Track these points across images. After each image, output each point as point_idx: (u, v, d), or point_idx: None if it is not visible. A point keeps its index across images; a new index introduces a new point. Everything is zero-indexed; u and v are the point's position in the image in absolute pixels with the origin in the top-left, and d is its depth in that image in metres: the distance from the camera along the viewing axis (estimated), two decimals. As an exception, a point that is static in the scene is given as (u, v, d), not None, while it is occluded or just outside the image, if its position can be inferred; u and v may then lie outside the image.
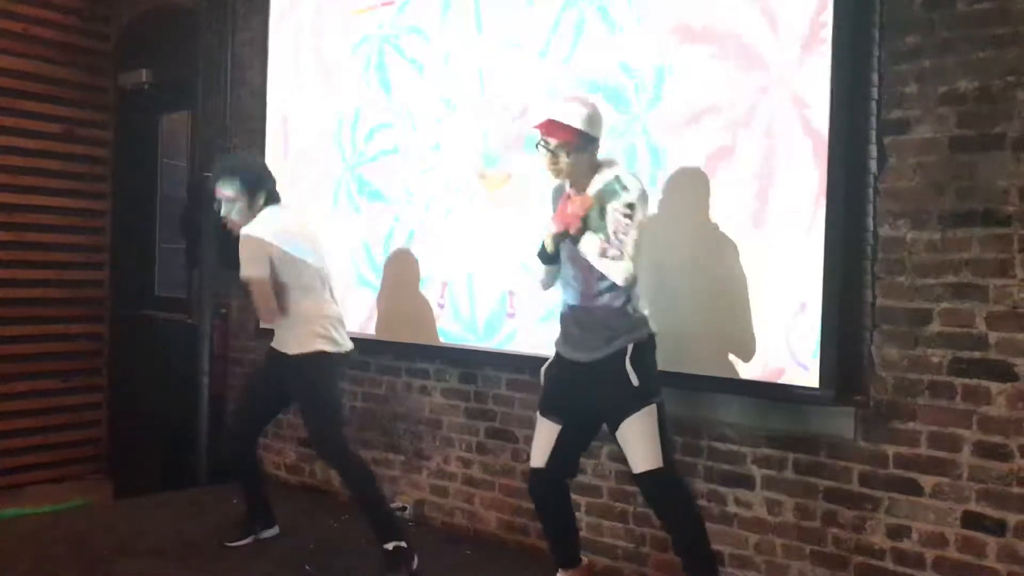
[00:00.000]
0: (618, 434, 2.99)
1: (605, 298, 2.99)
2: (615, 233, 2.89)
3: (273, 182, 3.72)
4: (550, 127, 2.97)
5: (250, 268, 3.52)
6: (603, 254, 2.89)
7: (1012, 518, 2.79)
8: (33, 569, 3.62)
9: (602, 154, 3.06)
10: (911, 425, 2.97)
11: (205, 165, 5.10)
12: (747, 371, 3.21)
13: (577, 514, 3.39)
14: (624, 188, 2.92)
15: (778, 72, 3.14)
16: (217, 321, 5.34)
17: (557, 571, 3.28)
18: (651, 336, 3.01)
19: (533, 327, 3.79)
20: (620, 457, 3.13)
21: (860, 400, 3.07)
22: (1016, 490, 2.78)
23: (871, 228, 3.04)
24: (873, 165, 3.04)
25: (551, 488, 3.19)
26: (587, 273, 2.99)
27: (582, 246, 2.93)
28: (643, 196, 2.94)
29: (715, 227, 3.27)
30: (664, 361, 3.06)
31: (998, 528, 2.81)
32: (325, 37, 4.73)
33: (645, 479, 2.98)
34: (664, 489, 2.99)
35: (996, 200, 2.80)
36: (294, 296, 3.60)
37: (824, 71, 3.02)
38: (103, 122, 6.13)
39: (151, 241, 6.09)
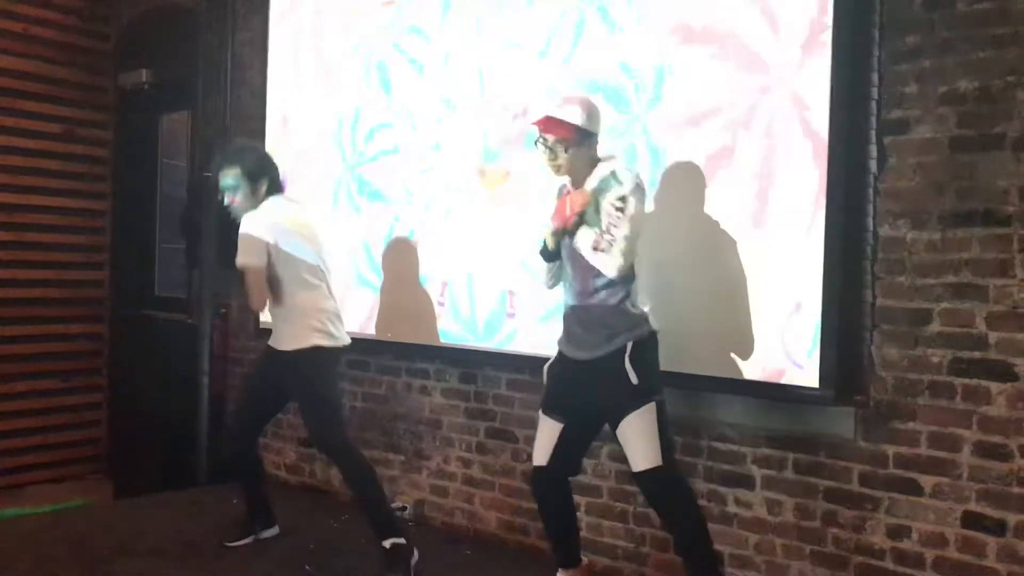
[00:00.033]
0: (618, 432, 2.99)
1: (601, 295, 3.00)
2: (608, 226, 2.91)
3: (275, 170, 3.72)
4: (548, 123, 2.99)
5: (245, 257, 3.52)
6: (596, 247, 2.91)
7: (1012, 518, 2.79)
8: (33, 569, 3.62)
9: (603, 152, 3.07)
10: (911, 425, 2.98)
11: (205, 165, 5.11)
12: (747, 371, 3.21)
13: (577, 514, 3.39)
14: (618, 182, 2.94)
15: (778, 73, 3.14)
16: (217, 321, 5.34)
17: (557, 571, 3.28)
18: (652, 333, 3.01)
19: (533, 327, 3.79)
20: (620, 457, 3.14)
21: (860, 400, 3.07)
22: (1016, 490, 2.78)
23: (871, 228, 3.04)
24: (873, 165, 3.04)
25: (553, 486, 3.20)
26: (584, 271, 3.01)
27: (576, 241, 2.96)
28: (637, 189, 2.94)
29: (715, 227, 3.27)
30: (664, 361, 3.06)
31: (998, 528, 2.81)
32: (325, 37, 4.73)
33: (645, 478, 2.98)
34: (664, 488, 2.99)
35: (996, 200, 2.80)
36: (290, 290, 3.60)
37: (824, 72, 3.02)
38: (103, 122, 6.14)
39: (151, 241, 6.09)
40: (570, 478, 3.25)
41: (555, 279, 3.20)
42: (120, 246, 6.19)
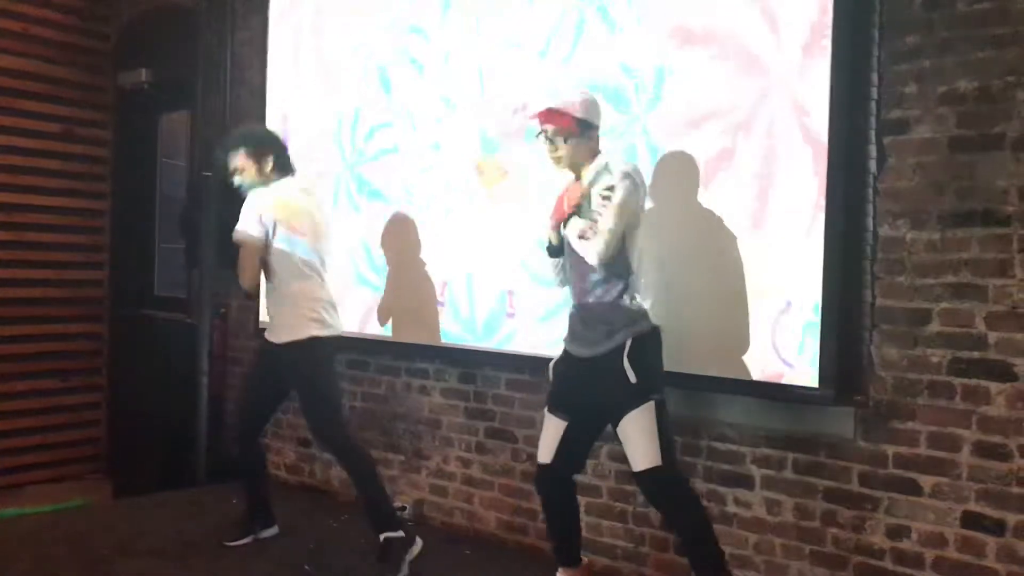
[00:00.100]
0: (619, 431, 2.99)
1: (598, 292, 3.01)
2: (594, 215, 2.93)
3: (281, 147, 3.76)
4: (548, 115, 3.03)
5: (244, 229, 3.56)
6: (581, 236, 2.93)
7: (1011, 518, 2.79)
8: (33, 569, 3.62)
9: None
10: (911, 425, 2.98)
11: (205, 165, 5.11)
12: (747, 371, 3.21)
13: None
14: (609, 172, 2.96)
15: (778, 74, 3.13)
16: (216, 321, 5.34)
17: (557, 570, 3.28)
18: (653, 329, 3.01)
19: (533, 327, 3.78)
20: (620, 457, 3.13)
21: (860, 400, 3.07)
22: (1015, 490, 2.78)
23: (871, 228, 3.04)
24: (873, 165, 3.04)
25: (557, 484, 3.21)
26: (581, 268, 3.03)
27: (567, 231, 2.98)
28: (626, 178, 2.94)
29: (715, 227, 3.27)
30: (665, 360, 3.06)
31: (997, 528, 2.81)
32: (325, 37, 4.73)
33: (644, 478, 2.98)
34: (663, 488, 2.99)
35: (996, 200, 2.80)
36: (284, 277, 3.62)
37: (824, 74, 3.02)
38: (103, 122, 6.13)
39: (150, 241, 6.09)
40: (575, 475, 3.25)
41: (563, 276, 3.21)
42: (119, 246, 6.18)
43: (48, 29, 5.80)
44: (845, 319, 3.05)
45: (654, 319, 3.03)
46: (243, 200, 3.64)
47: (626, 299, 2.99)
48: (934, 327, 2.93)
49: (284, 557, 3.80)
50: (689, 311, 3.31)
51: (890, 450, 3.02)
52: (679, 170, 3.35)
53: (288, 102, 4.91)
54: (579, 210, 2.98)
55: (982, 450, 2.84)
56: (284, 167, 3.72)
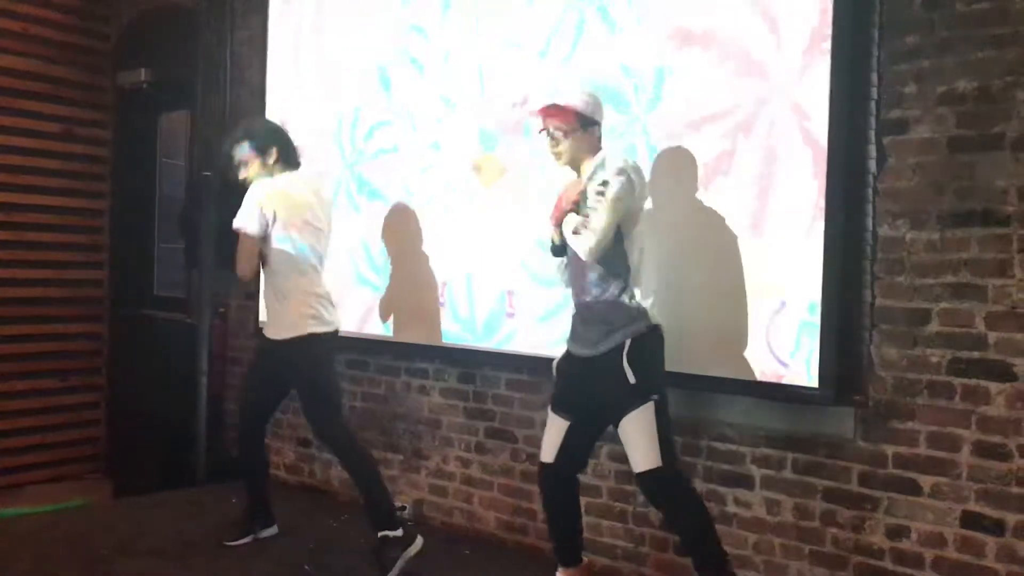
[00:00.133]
0: (619, 431, 2.99)
1: (596, 291, 3.01)
2: (588, 210, 2.93)
3: (285, 140, 3.76)
4: (549, 110, 3.03)
5: (243, 219, 3.57)
6: (574, 231, 2.92)
7: (1011, 518, 2.79)
8: (33, 569, 3.62)
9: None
10: (910, 425, 2.98)
11: (204, 164, 5.11)
12: (747, 371, 3.21)
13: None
14: (603, 167, 2.96)
15: (778, 75, 3.13)
16: (216, 321, 5.33)
17: (557, 570, 3.28)
18: (653, 329, 3.00)
19: (532, 327, 3.78)
20: (619, 457, 3.14)
21: (859, 400, 3.07)
22: (1015, 490, 2.78)
23: (870, 228, 3.04)
24: (872, 165, 3.04)
25: (560, 484, 3.21)
26: (579, 267, 3.03)
27: (563, 227, 2.98)
28: (622, 172, 2.93)
29: (715, 227, 3.27)
30: (666, 360, 3.06)
31: (997, 528, 2.81)
32: (325, 36, 4.73)
33: (645, 479, 2.98)
34: (664, 488, 2.99)
35: (995, 200, 2.81)
36: (282, 270, 3.62)
37: (824, 75, 3.02)
38: (102, 121, 6.13)
39: (150, 241, 6.09)
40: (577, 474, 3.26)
41: (566, 277, 3.21)
42: (119, 246, 6.18)
43: (48, 29, 5.80)
44: (845, 319, 3.05)
45: (656, 318, 3.02)
46: (243, 199, 3.64)
47: (625, 298, 2.98)
48: (934, 327, 2.93)
49: (284, 557, 3.80)
50: (689, 311, 3.30)
51: (890, 450, 3.02)
52: (679, 169, 3.36)
53: (288, 102, 4.91)
54: (578, 207, 2.98)
55: (982, 450, 2.84)
56: (288, 160, 3.73)
